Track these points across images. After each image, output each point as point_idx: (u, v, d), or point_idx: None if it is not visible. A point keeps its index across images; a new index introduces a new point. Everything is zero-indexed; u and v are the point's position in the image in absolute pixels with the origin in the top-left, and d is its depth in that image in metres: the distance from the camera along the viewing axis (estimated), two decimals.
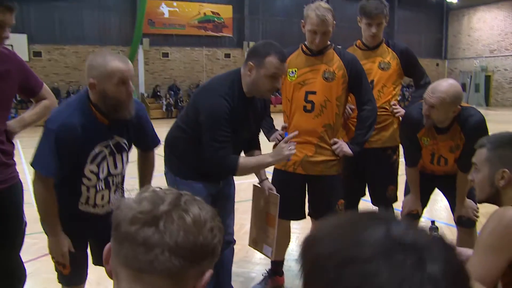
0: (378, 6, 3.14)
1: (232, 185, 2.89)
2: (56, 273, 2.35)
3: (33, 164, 2.09)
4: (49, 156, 2.04)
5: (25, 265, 2.72)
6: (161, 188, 0.91)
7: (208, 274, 0.88)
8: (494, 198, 1.71)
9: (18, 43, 15.87)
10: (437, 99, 2.58)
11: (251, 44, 22.94)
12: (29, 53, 16.97)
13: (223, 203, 2.77)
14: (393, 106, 3.27)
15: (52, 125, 2.05)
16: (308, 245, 0.63)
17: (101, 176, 2.20)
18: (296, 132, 2.66)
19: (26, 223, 2.51)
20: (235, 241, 2.94)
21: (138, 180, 2.54)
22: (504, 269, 1.50)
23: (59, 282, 2.38)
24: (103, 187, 2.23)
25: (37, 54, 17.61)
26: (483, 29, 26.82)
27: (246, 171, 2.55)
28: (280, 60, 2.42)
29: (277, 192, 2.96)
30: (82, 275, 2.37)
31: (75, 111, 2.07)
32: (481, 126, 2.67)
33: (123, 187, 2.39)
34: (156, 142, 2.50)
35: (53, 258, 2.27)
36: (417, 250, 0.55)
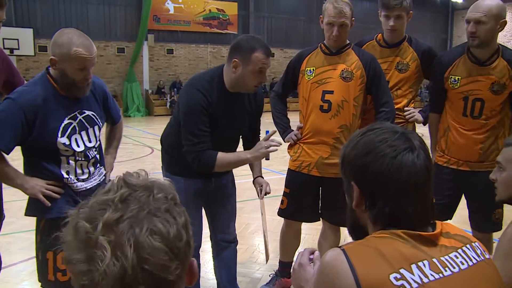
0: None
1: (232, 184, 2.83)
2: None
3: None
4: (4, 126, 2.04)
5: (26, 262, 2.69)
6: None
7: None
8: None
9: (24, 38, 15.80)
10: (483, 12, 2.56)
11: None
12: (34, 47, 16.90)
13: (220, 202, 2.76)
14: (405, 109, 3.06)
15: (11, 95, 2.09)
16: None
17: (78, 149, 2.22)
18: (274, 130, 2.70)
19: (4, 216, 2.47)
20: (237, 241, 2.90)
21: (104, 147, 2.58)
22: None
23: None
24: (83, 158, 2.26)
25: (43, 48, 17.52)
26: None
27: (224, 166, 2.49)
28: (265, 55, 2.39)
29: (290, 194, 2.96)
30: None
31: (35, 85, 2.13)
32: None
33: (102, 161, 2.43)
34: (119, 115, 2.62)
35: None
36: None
